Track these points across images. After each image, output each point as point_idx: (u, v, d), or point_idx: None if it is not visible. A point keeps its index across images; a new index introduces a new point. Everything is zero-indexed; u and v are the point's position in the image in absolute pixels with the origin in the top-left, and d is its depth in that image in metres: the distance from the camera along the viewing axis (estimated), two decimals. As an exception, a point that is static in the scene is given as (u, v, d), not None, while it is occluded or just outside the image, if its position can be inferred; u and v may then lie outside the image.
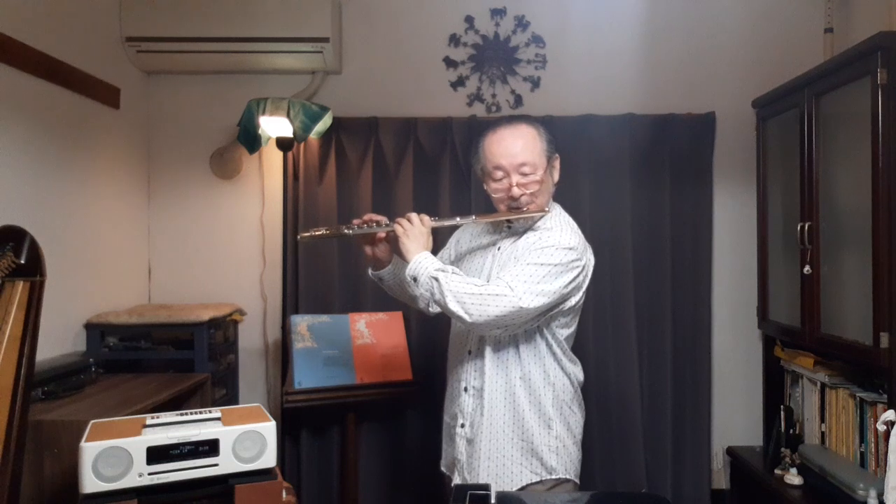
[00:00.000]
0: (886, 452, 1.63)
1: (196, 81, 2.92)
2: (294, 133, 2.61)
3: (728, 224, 2.92)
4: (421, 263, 1.63)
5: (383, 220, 1.77)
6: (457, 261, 1.91)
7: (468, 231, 1.94)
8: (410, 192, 2.82)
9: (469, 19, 2.93)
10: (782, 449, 2.46)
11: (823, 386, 2.35)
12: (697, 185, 2.85)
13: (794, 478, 2.35)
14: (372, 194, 2.83)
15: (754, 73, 2.85)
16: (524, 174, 1.70)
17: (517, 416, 1.72)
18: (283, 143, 2.67)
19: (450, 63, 2.94)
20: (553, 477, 1.72)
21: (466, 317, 1.57)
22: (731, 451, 2.83)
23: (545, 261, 1.63)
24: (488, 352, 1.73)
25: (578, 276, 1.69)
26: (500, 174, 1.72)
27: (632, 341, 2.77)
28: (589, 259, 1.75)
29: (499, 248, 1.80)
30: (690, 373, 2.84)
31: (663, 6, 2.91)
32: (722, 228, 2.91)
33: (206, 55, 2.73)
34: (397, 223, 1.71)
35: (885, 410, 1.88)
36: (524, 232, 1.77)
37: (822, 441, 2.37)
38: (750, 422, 2.87)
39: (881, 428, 1.81)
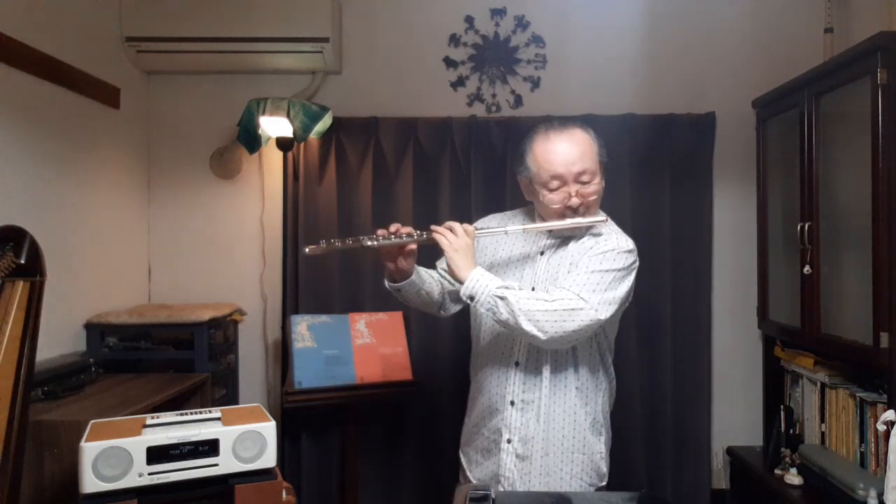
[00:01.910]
0: (886, 452, 1.63)
1: (196, 81, 2.92)
2: (294, 133, 2.61)
3: (728, 224, 2.91)
4: (479, 282, 1.54)
5: (411, 230, 1.64)
6: (490, 269, 1.73)
7: (495, 237, 1.80)
8: (410, 192, 2.82)
9: (469, 19, 2.93)
10: (782, 449, 2.46)
11: (823, 386, 2.35)
12: (697, 185, 2.84)
13: (794, 478, 2.34)
14: (372, 194, 2.83)
15: (754, 73, 2.85)
16: (583, 183, 1.63)
17: (577, 430, 1.65)
18: (283, 143, 2.67)
19: (450, 63, 2.94)
20: (604, 483, 1.69)
21: (541, 335, 1.49)
22: (731, 451, 2.83)
23: (609, 266, 1.57)
24: (546, 364, 1.64)
25: (634, 277, 1.65)
26: (556, 184, 1.63)
27: (632, 341, 2.77)
28: None
29: (542, 254, 1.71)
30: (690, 373, 2.83)
31: (663, 6, 2.91)
32: (722, 228, 2.91)
33: (206, 55, 2.73)
34: (437, 233, 1.61)
35: (885, 410, 1.88)
36: (569, 238, 1.70)
37: (822, 441, 2.37)
38: (750, 422, 2.87)
39: (881, 428, 1.81)
